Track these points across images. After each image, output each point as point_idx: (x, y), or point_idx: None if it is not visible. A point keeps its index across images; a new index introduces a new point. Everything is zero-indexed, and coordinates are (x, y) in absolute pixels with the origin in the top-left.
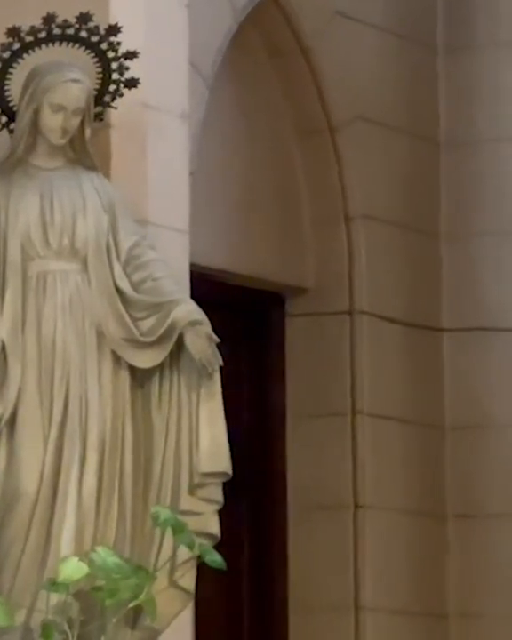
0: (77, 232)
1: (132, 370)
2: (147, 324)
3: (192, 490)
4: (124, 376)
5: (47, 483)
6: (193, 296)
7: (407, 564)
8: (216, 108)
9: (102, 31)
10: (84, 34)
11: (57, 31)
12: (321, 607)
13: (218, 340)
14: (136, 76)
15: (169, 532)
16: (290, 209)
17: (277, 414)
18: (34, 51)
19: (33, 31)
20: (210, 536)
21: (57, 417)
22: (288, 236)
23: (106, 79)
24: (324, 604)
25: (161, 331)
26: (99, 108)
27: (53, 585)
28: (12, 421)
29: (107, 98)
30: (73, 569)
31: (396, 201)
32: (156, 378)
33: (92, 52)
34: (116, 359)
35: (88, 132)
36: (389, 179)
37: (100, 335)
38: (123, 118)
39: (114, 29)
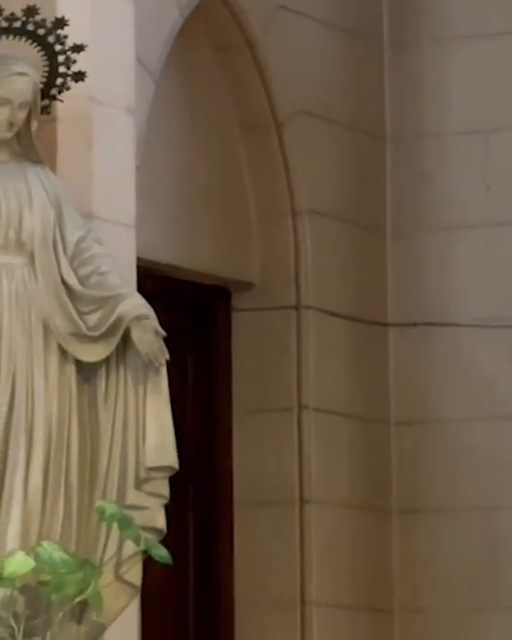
0: (24, 225)
1: (79, 364)
2: (93, 318)
3: (138, 484)
4: (71, 370)
5: None
6: (139, 290)
7: (353, 559)
8: (162, 102)
9: (49, 24)
10: (30, 27)
11: (3, 24)
12: (267, 602)
13: (164, 334)
14: (83, 70)
15: (115, 526)
16: (236, 204)
17: (223, 409)
18: None
19: None
20: (156, 530)
21: (2, 411)
22: (234, 231)
23: (52, 72)
24: (270, 598)
25: (107, 325)
26: (45, 102)
27: None
28: None
29: (53, 91)
30: (19, 563)
31: (342, 196)
32: (103, 372)
33: (38, 45)
34: (63, 353)
35: (34, 125)
36: (335, 174)
37: (47, 329)
38: (69, 112)
39: (60, 23)
